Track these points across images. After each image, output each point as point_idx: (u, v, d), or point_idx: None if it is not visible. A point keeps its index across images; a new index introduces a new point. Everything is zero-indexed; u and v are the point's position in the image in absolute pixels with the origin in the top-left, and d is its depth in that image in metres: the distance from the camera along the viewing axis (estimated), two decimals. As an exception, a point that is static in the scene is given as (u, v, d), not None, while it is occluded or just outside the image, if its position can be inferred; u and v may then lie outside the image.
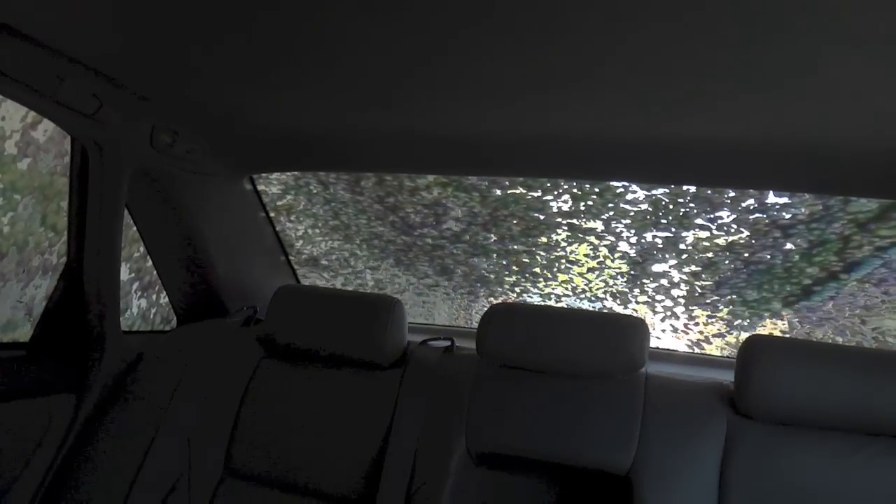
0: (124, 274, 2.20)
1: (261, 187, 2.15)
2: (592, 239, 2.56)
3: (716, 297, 2.52)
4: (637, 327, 1.60)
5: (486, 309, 1.70)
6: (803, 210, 2.12)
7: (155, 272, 2.05)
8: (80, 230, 1.67)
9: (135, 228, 1.96)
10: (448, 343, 1.86)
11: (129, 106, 1.54)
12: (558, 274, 2.74)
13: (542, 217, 2.48)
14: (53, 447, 1.65)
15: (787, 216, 2.15)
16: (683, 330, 2.70)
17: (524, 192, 2.39)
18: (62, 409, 1.68)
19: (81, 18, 1.18)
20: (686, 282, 2.53)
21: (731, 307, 2.53)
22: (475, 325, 1.71)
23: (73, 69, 1.35)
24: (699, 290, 2.55)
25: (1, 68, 1.25)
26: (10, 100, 1.40)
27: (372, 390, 1.70)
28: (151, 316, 2.33)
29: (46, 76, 1.32)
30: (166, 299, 2.10)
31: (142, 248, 2.04)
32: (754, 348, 1.51)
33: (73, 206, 1.68)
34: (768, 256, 2.31)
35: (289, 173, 2.65)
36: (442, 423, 1.62)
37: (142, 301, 2.30)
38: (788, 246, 2.24)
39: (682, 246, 2.41)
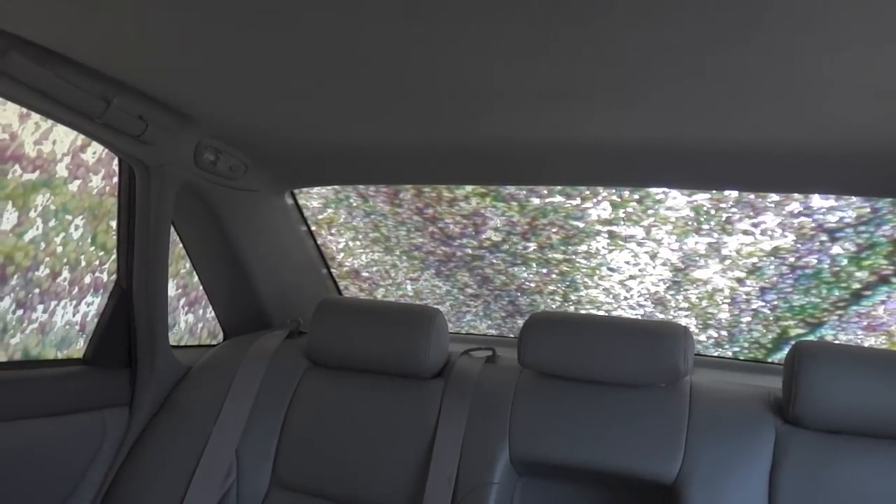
0: (172, 290, 2.25)
1: (302, 201, 2.18)
2: (633, 246, 2.53)
3: (761, 303, 2.48)
4: (680, 334, 1.58)
5: (526, 318, 1.70)
6: (850, 213, 2.07)
7: (201, 287, 2.10)
8: (128, 248, 1.72)
9: (181, 245, 2.01)
10: (489, 353, 1.86)
11: (174, 126, 1.58)
12: (599, 282, 2.72)
13: (581, 225, 2.47)
14: (108, 459, 1.70)
15: (834, 220, 2.11)
16: (726, 336, 2.66)
17: (563, 200, 2.38)
18: (116, 422, 1.73)
19: (126, 42, 1.22)
20: (730, 288, 2.49)
21: (777, 313, 2.48)
22: (516, 334, 1.71)
23: (120, 92, 1.39)
24: (744, 296, 2.50)
25: (49, 93, 1.29)
26: (58, 123, 1.44)
27: (415, 401, 1.71)
28: (198, 331, 2.38)
29: (93, 100, 1.36)
30: (213, 314, 2.15)
31: (188, 265, 2.09)
32: (802, 354, 1.48)
33: (122, 225, 1.73)
34: (815, 261, 2.26)
35: (329, 187, 2.68)
36: (485, 432, 1.62)
37: (189, 316, 2.35)
38: (836, 250, 2.19)
39: (725, 251, 2.37)
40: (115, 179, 1.73)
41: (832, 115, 1.27)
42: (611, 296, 2.76)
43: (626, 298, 2.75)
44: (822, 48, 1.02)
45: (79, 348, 2.06)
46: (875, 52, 1.01)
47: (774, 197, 2.12)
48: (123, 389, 1.76)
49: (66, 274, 1.95)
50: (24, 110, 1.87)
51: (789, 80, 1.13)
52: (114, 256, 1.78)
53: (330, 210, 2.82)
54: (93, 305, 2.03)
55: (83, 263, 2.05)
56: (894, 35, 0.96)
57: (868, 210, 2.08)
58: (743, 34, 0.99)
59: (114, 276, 1.77)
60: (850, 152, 1.42)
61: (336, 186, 2.67)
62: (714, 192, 2.17)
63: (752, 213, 2.21)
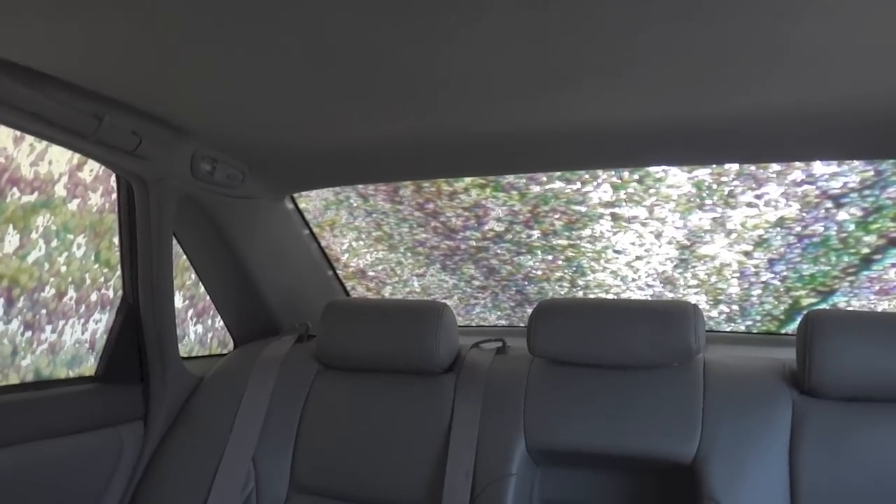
0: (178, 302, 2.26)
1: (302, 205, 2.18)
2: (637, 226, 2.52)
3: (771, 275, 2.46)
4: (690, 313, 1.57)
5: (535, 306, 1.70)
6: (854, 177, 2.05)
7: (208, 298, 2.10)
8: (132, 263, 1.72)
9: (185, 257, 2.01)
10: (500, 344, 1.85)
11: (168, 139, 1.58)
12: (606, 265, 2.71)
13: (583, 209, 2.46)
14: (127, 474, 1.70)
15: (838, 185, 2.09)
16: (738, 311, 2.65)
17: (563, 185, 2.37)
18: (132, 437, 1.73)
19: (113, 59, 1.22)
20: (738, 262, 2.48)
21: (787, 283, 2.46)
22: (526, 323, 1.70)
23: (111, 108, 1.39)
24: (753, 269, 2.49)
25: (40, 114, 1.29)
26: (52, 143, 1.44)
27: (428, 397, 1.71)
28: (208, 340, 2.38)
29: (85, 118, 1.36)
30: (221, 323, 2.15)
31: (193, 276, 2.10)
32: (815, 323, 1.46)
33: (124, 241, 1.73)
34: (822, 228, 2.24)
35: (329, 189, 2.68)
36: (500, 424, 1.62)
37: (198, 327, 2.35)
38: (842, 216, 2.17)
39: (730, 226, 2.36)
40: (115, 196, 1.73)
41: (827, 80, 1.25)
42: (619, 278, 2.75)
43: (633, 280, 2.74)
44: (809, 14, 1.01)
45: (90, 366, 2.06)
46: (864, 15, 1.00)
47: (776, 167, 2.10)
48: (137, 404, 1.77)
49: (72, 293, 1.96)
50: (18, 133, 1.88)
51: (781, 47, 1.12)
52: (118, 272, 1.78)
53: (331, 212, 2.82)
54: (101, 322, 2.03)
55: (88, 281, 2.06)
56: (872, 4, 0.95)
57: (872, 173, 2.06)
58: (730, 3, 0.98)
59: (120, 292, 1.77)
60: (848, 116, 1.40)
61: (335, 188, 2.67)
62: (714, 166, 2.16)
63: (754, 185, 2.19)
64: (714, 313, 2.75)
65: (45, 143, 1.68)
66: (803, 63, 1.18)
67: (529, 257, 2.83)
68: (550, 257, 2.81)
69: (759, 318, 2.70)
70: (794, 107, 1.37)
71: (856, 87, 1.28)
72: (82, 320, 2.03)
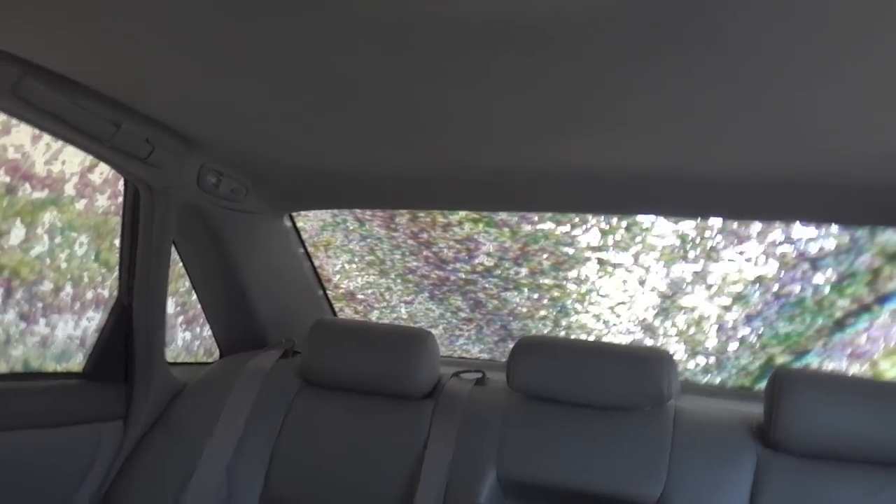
0: (171, 308, 2.29)
1: (300, 224, 2.23)
2: (622, 273, 2.58)
3: (747, 330, 2.52)
4: (664, 360, 1.62)
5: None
6: (831, 241, 2.12)
7: (198, 306, 2.13)
8: (130, 266, 1.76)
9: (181, 264, 2.04)
10: (479, 375, 1.89)
11: (179, 150, 1.63)
12: (589, 307, 2.76)
13: (571, 251, 2.52)
14: (102, 472, 1.72)
15: (815, 249, 2.16)
16: (714, 363, 2.69)
17: (553, 227, 2.43)
18: (111, 436, 1.75)
19: (135, 71, 1.28)
20: (717, 315, 2.53)
21: (763, 340, 2.52)
22: (507, 359, 1.74)
23: (129, 117, 1.45)
24: (730, 324, 2.55)
25: (62, 117, 1.35)
26: (70, 145, 1.49)
27: (405, 421, 1.74)
28: (195, 348, 2.40)
29: (103, 124, 1.42)
30: (209, 332, 2.18)
31: (187, 283, 2.13)
32: (782, 380, 1.51)
33: (125, 243, 1.77)
34: (798, 289, 2.30)
35: (327, 211, 2.72)
36: (473, 453, 1.65)
37: (186, 334, 2.38)
38: (818, 278, 2.24)
39: (711, 279, 2.42)
40: (120, 199, 1.77)
41: (807, 147, 1.32)
42: (601, 321, 2.80)
43: (615, 325, 2.79)
44: (789, 86, 1.08)
45: (78, 362, 2.09)
46: (843, 90, 1.07)
47: (758, 226, 2.17)
48: (119, 404, 1.79)
49: (69, 289, 1.99)
50: (37, 132, 1.92)
51: (764, 113, 1.18)
52: (116, 273, 1.82)
53: (327, 233, 2.87)
54: (94, 321, 2.06)
55: (86, 280, 2.09)
56: (856, 77, 1.02)
57: (847, 240, 2.13)
58: (717, 70, 1.05)
59: (115, 293, 1.81)
60: (827, 182, 1.47)
61: (333, 210, 2.72)
62: (699, 219, 2.22)
63: (736, 241, 2.26)
64: (691, 364, 2.79)
65: (60, 143, 1.73)
66: (785, 130, 1.25)
67: (516, 294, 2.88)
68: (536, 296, 2.86)
69: (734, 371, 2.75)
70: (775, 169, 1.44)
71: (834, 156, 1.34)
72: (76, 317, 2.06)
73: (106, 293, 2.11)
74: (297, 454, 1.75)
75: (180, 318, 2.41)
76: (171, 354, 2.30)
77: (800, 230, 2.11)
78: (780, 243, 2.18)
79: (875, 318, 2.30)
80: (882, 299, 2.23)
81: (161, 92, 1.39)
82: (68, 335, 2.07)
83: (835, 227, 2.06)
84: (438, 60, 1.10)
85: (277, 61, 1.17)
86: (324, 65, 1.16)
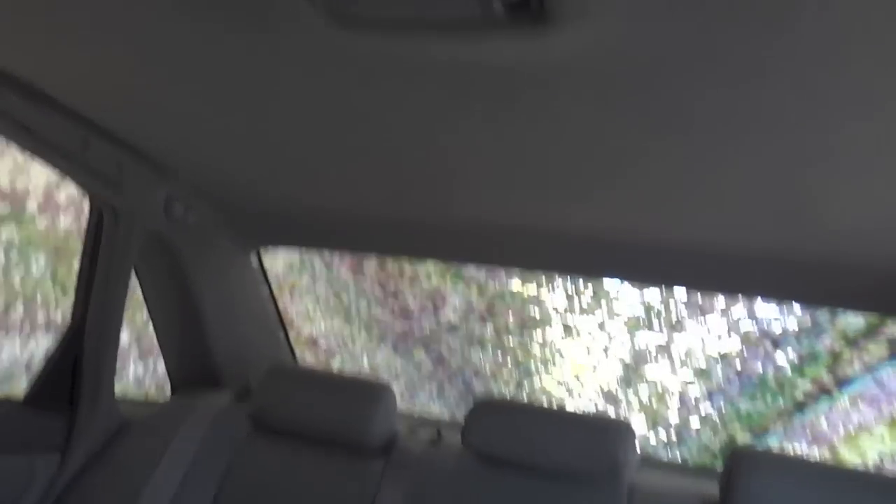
0: (125, 337, 2.23)
1: (266, 264, 2.21)
2: (586, 339, 2.58)
3: (709, 407, 2.51)
4: (623, 429, 1.60)
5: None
6: (792, 321, 2.14)
7: (154, 339, 2.08)
8: (87, 289, 1.72)
9: (139, 292, 2.00)
10: (435, 434, 1.85)
11: (148, 175, 1.62)
12: (552, 371, 2.75)
13: (537, 313, 2.52)
14: (32, 505, 1.64)
15: (778, 329, 2.18)
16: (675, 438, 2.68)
17: (520, 287, 2.44)
18: (46, 469, 1.68)
19: (107, 89, 1.28)
20: (679, 390, 2.53)
21: (724, 418, 2.51)
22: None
23: (99, 136, 1.44)
24: (693, 400, 2.54)
25: (30, 127, 1.34)
26: (38, 158, 1.47)
27: (355, 477, 1.69)
28: (147, 384, 2.34)
29: (73, 140, 1.41)
30: (163, 368, 2.12)
31: (145, 314, 2.09)
32: (739, 460, 1.50)
33: (84, 266, 1.73)
34: (760, 368, 2.31)
35: (295, 254, 2.71)
36: None
37: (139, 366, 2.32)
38: (780, 357, 2.25)
39: (674, 352, 2.43)
40: (84, 221, 1.75)
41: (765, 224, 1.34)
42: (563, 387, 2.78)
43: (578, 394, 2.77)
44: (753, 160, 1.10)
45: (20, 387, 2.01)
46: (804, 170, 1.10)
47: (722, 302, 2.20)
48: (59, 435, 1.72)
49: (20, 309, 1.93)
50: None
51: (722, 188, 1.21)
52: (70, 297, 1.77)
53: (294, 275, 2.85)
54: (42, 346, 1.99)
55: (39, 301, 2.03)
56: (820, 156, 1.05)
57: (808, 322, 2.16)
58: (692, 141, 1.07)
59: (68, 318, 1.76)
60: (790, 259, 1.49)
61: (302, 252, 2.70)
62: (663, 287, 2.25)
63: (699, 314, 2.28)
64: (653, 439, 2.77)
65: (26, 159, 1.71)
66: (747, 204, 1.28)
67: (480, 352, 2.86)
68: (500, 354, 2.85)
69: (695, 448, 2.73)
70: (737, 244, 1.46)
71: (796, 234, 1.37)
72: (24, 338, 1.99)
73: (59, 317, 2.06)
74: (238, 502, 1.69)
75: (134, 351, 2.35)
76: (120, 387, 2.24)
77: (763, 308, 2.14)
78: (742, 319, 2.20)
79: (834, 403, 2.31)
80: (842, 384, 2.25)
81: (133, 115, 1.39)
82: (13, 358, 2.00)
83: (797, 308, 2.09)
84: (412, 109, 1.11)
85: (253, 100, 1.18)
86: (299, 106, 1.17)
